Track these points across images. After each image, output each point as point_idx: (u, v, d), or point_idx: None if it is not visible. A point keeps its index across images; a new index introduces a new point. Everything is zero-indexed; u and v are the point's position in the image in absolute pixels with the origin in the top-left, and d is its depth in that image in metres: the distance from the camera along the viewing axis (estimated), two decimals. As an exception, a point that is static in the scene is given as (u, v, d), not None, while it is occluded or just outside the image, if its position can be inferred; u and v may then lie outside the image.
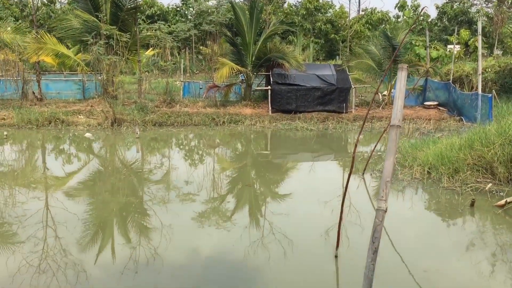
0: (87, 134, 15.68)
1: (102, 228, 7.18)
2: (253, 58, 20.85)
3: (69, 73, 26.49)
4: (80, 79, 22.25)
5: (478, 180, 9.48)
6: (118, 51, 19.85)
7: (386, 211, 3.40)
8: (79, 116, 17.95)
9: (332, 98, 20.14)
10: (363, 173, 10.55)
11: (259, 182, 10.61)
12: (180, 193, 9.00)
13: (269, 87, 20.17)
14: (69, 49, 23.31)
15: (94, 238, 6.78)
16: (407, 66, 3.55)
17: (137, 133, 15.48)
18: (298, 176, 11.24)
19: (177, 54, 30.07)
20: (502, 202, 8.10)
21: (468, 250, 6.69)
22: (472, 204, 8.31)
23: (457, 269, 6.03)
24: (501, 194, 8.83)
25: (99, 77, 20.48)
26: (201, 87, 22.40)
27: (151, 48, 26.15)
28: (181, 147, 15.17)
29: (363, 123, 7.30)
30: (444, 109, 20.74)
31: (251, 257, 6.09)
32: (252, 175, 11.26)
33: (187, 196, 8.83)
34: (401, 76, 3.35)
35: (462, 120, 18.61)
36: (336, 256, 6.17)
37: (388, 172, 3.37)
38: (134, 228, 7.25)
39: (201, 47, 33.67)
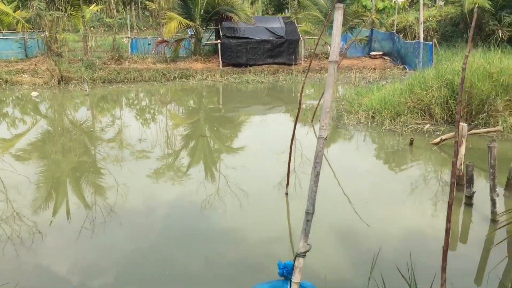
0: (34, 93, 14.95)
1: (55, 189, 6.96)
2: (202, 12, 20.25)
3: (8, 32, 24.88)
4: (21, 38, 20.96)
5: (417, 122, 10.12)
6: (60, 7, 18.73)
7: (326, 139, 3.65)
8: (23, 75, 17.04)
9: (281, 50, 20.02)
10: (312, 121, 10.81)
11: (212, 136, 10.53)
12: (134, 151, 8.80)
13: (219, 41, 19.76)
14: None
15: (48, 200, 6.56)
16: (343, 6, 3.55)
17: (86, 90, 14.91)
18: (251, 129, 11.23)
19: (122, 10, 28.78)
20: (438, 140, 8.68)
21: (405, 181, 7.20)
22: (411, 143, 8.90)
23: (394, 198, 6.53)
24: (438, 133, 9.37)
25: (42, 35, 19.36)
26: (149, 43, 21.67)
27: (94, 3, 24.84)
28: (133, 104, 14.78)
29: (307, 71, 7.47)
30: (389, 59, 21.11)
31: (208, 210, 6.08)
32: (205, 129, 11.15)
33: (141, 153, 8.65)
34: (338, 15, 3.36)
35: (405, 68, 19.04)
36: (286, 194, 6.49)
37: (328, 103, 3.59)
38: (88, 187, 7.06)
39: (147, 2, 32.31)
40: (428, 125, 9.85)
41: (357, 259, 4.83)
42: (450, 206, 2.62)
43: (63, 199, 6.62)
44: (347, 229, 5.57)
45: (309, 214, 3.64)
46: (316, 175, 3.63)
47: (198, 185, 6.96)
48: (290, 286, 3.64)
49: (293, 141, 6.57)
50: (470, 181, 6.12)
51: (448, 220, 2.63)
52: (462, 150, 6.72)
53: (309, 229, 3.61)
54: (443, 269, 2.78)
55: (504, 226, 5.17)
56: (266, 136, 10.18)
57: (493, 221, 5.59)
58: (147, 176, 7.37)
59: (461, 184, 6.43)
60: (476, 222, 5.76)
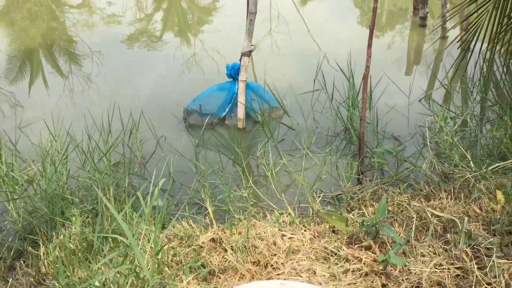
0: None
1: (28, 59, 6.72)
2: None
3: None
4: None
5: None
6: None
7: None
8: None
9: None
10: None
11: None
12: (104, 16, 8.39)
13: None
14: None
15: (22, 70, 6.38)
16: None
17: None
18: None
19: None
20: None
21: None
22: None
23: (350, 20, 7.46)
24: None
25: None
26: None
27: None
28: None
29: None
30: None
31: (186, 75, 5.98)
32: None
33: (112, 18, 8.26)
34: None
35: None
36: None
37: None
38: (62, 56, 6.85)
39: None
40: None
41: (305, 70, 5.18)
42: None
43: (38, 69, 6.44)
44: (300, 50, 6.11)
45: (252, 14, 3.93)
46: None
47: (174, 50, 6.79)
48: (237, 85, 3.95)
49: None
50: (424, 1, 6.50)
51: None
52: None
53: (252, 29, 3.91)
54: (369, 45, 3.05)
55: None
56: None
57: (443, 38, 5.86)
58: (120, 42, 7.15)
59: (417, 8, 6.72)
60: (429, 42, 6.28)
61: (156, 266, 2.21)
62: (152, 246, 2.22)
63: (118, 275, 2.13)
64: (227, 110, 4.00)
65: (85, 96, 5.45)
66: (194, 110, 4.01)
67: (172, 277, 2.22)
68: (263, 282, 1.38)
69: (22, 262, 2.55)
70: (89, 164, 3.15)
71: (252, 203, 3.04)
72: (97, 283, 1.97)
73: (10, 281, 2.39)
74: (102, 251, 2.37)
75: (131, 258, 2.25)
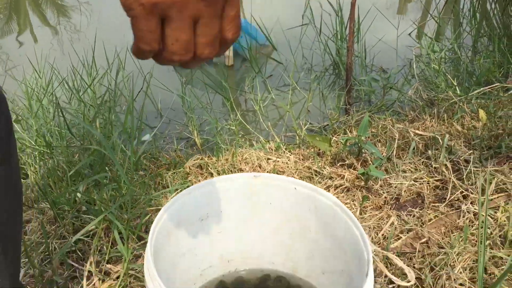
0: None
1: (15, 11, 6.66)
2: None
3: None
4: None
5: None
6: None
7: None
8: None
9: None
10: None
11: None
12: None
13: None
14: None
15: (9, 23, 6.33)
16: None
17: None
18: None
19: None
20: None
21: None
22: None
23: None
24: None
25: None
26: None
27: None
28: None
29: None
30: None
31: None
32: None
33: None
34: None
35: None
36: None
37: None
38: (49, 7, 6.79)
39: None
40: None
41: (294, 7, 5.04)
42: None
43: (25, 21, 6.39)
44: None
45: None
46: None
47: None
48: None
49: None
50: None
51: None
52: None
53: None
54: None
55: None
56: None
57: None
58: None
59: None
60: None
61: (134, 171, 2.28)
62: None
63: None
64: (214, 47, 3.98)
65: (73, 45, 5.42)
66: (182, 49, 4.00)
67: (159, 196, 2.29)
68: (237, 174, 1.43)
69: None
70: (75, 101, 3.19)
71: (240, 135, 3.09)
72: (79, 195, 2.04)
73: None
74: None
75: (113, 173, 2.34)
